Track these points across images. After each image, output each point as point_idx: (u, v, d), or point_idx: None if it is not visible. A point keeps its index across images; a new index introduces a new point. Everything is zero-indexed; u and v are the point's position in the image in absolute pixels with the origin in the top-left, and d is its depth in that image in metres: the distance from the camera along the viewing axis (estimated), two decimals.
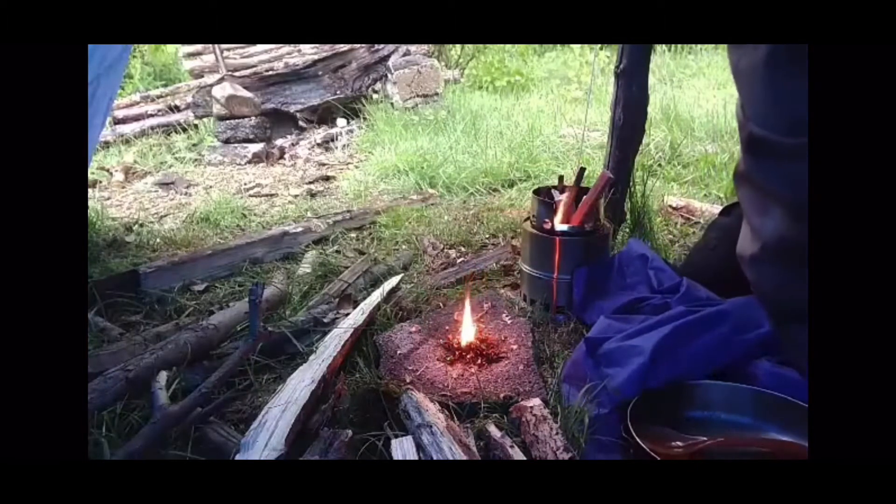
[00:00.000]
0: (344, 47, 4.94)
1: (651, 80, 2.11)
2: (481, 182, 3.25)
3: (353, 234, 2.58)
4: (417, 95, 4.85)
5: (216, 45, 4.49)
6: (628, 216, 2.21)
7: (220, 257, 2.16)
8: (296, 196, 3.28)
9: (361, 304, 1.75)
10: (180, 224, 2.79)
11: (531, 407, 1.22)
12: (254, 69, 4.68)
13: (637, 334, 1.36)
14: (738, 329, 1.35)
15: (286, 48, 4.98)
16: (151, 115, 4.64)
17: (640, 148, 2.19)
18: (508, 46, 6.89)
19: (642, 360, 1.26)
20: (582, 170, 1.86)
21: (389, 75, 4.90)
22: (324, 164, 3.97)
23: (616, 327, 1.43)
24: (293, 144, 4.32)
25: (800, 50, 0.77)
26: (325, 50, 4.89)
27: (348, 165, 3.95)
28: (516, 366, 1.45)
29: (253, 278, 2.08)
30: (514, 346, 1.54)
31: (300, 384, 1.29)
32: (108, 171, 3.69)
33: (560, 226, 1.75)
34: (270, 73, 4.65)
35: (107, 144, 4.20)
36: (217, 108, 4.12)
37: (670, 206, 2.73)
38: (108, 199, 3.25)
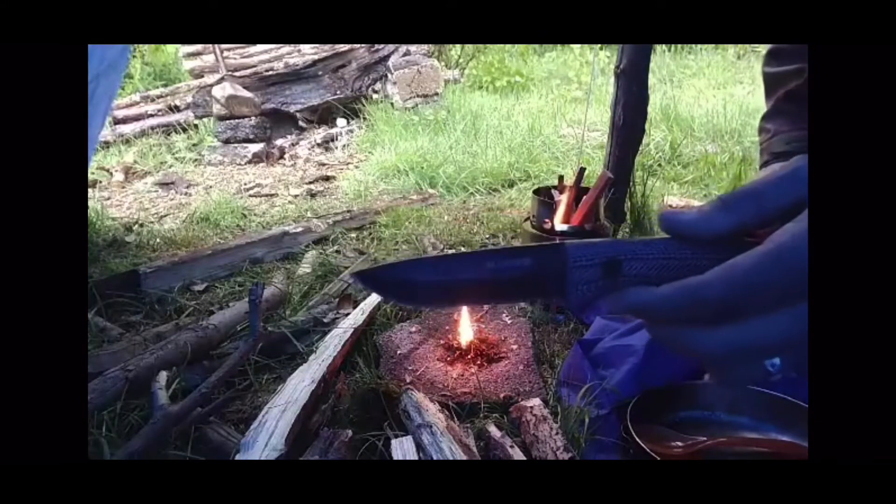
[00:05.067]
0: (344, 47, 4.94)
1: (651, 80, 2.11)
2: (481, 182, 3.25)
3: (353, 234, 2.58)
4: (417, 95, 4.85)
5: (216, 45, 4.49)
6: (628, 216, 2.21)
7: (220, 257, 2.16)
8: (296, 196, 3.28)
9: (361, 304, 1.74)
10: (180, 224, 2.79)
11: (531, 407, 1.22)
12: (254, 69, 4.68)
13: (630, 333, 1.35)
14: None
15: (286, 48, 4.98)
16: (151, 115, 4.65)
17: (640, 148, 2.19)
18: (508, 46, 6.90)
19: (636, 359, 1.25)
20: (582, 170, 1.86)
21: (389, 75, 4.90)
22: (324, 164, 3.98)
23: (611, 327, 1.43)
24: (293, 144, 4.32)
25: None
26: (325, 50, 4.89)
27: (348, 165, 3.96)
28: (516, 366, 1.45)
29: (253, 278, 2.08)
30: (514, 346, 1.54)
31: (300, 384, 1.29)
32: (108, 171, 3.69)
33: (560, 226, 1.75)
34: (270, 73, 4.66)
35: (107, 144, 4.20)
36: (217, 108, 4.12)
37: (670, 206, 2.73)
38: (108, 199, 3.25)
